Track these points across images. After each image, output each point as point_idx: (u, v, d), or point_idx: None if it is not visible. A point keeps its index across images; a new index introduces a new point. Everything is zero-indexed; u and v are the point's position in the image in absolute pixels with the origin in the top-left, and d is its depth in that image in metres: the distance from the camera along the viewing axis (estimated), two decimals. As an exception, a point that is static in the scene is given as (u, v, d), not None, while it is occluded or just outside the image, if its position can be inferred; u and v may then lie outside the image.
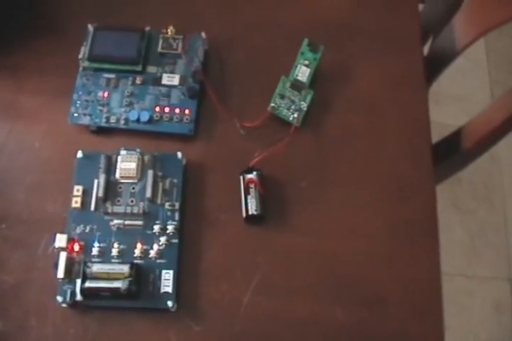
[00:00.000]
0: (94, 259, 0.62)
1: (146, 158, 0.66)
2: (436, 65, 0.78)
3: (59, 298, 0.60)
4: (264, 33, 0.76)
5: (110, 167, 0.66)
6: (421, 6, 0.82)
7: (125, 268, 0.59)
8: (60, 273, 0.60)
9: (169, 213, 0.64)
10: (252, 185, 0.65)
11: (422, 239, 0.65)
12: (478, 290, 1.29)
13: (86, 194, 0.65)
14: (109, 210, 0.63)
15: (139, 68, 0.71)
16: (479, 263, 1.32)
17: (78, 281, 0.60)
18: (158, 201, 0.64)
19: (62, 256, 0.61)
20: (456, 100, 1.40)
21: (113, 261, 0.62)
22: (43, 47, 0.75)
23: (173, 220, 0.63)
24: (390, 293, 0.63)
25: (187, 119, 0.69)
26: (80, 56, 0.71)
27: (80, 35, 0.72)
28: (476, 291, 1.29)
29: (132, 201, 0.64)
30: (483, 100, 1.43)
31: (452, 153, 0.75)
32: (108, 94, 0.70)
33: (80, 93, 0.70)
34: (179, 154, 0.66)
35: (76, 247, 0.62)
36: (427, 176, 0.68)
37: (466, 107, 1.40)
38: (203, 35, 0.72)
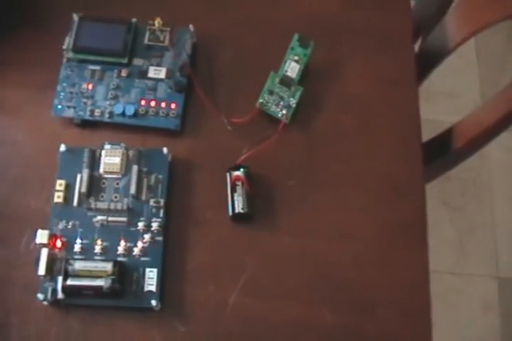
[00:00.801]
0: (76, 256, 0.60)
1: (131, 153, 0.65)
2: (427, 63, 0.77)
3: (40, 296, 0.59)
4: (253, 30, 0.75)
5: (94, 161, 0.64)
6: (412, 2, 0.81)
7: (108, 266, 0.58)
8: (41, 270, 0.58)
9: (154, 210, 0.62)
10: (238, 183, 0.64)
11: (411, 240, 0.65)
12: (466, 287, 1.29)
13: (69, 189, 0.63)
14: (93, 206, 0.62)
15: (124, 60, 0.69)
16: (467, 261, 1.32)
17: (60, 279, 0.58)
18: (143, 197, 0.63)
19: (44, 253, 0.59)
20: (446, 97, 1.40)
21: (96, 258, 0.60)
22: (27, 39, 0.73)
23: (158, 217, 0.62)
24: (379, 295, 0.63)
25: (173, 114, 0.67)
26: (65, 46, 0.69)
27: (65, 27, 0.71)
28: (464, 289, 1.29)
29: (116, 197, 0.63)
30: (473, 98, 1.43)
31: (443, 153, 0.74)
32: (93, 86, 0.69)
33: (64, 85, 0.69)
34: (165, 150, 0.65)
35: (58, 243, 0.60)
36: (417, 177, 0.67)
37: (456, 104, 1.40)
38: (191, 27, 0.71)
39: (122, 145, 0.65)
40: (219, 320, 0.61)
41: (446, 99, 1.40)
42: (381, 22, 0.76)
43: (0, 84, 0.71)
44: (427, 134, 0.73)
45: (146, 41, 0.70)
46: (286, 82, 0.68)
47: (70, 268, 0.58)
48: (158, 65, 0.69)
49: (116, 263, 0.58)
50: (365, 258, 0.64)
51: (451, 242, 1.32)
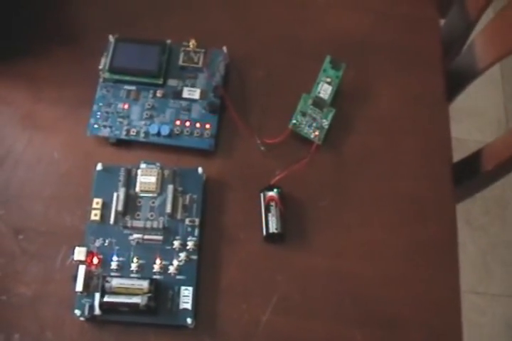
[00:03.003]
0: (112, 273, 0.61)
1: (166, 172, 0.66)
2: (455, 84, 0.78)
3: (77, 312, 0.60)
4: (284, 51, 0.76)
5: (130, 180, 0.66)
6: (442, 22, 0.82)
7: (145, 284, 0.59)
8: (79, 287, 0.60)
9: (189, 229, 0.63)
10: (272, 203, 0.65)
11: (442, 260, 0.65)
12: (490, 307, 1.29)
13: (105, 207, 0.64)
14: (129, 224, 0.63)
15: (159, 81, 0.70)
16: (491, 281, 1.31)
17: (97, 295, 0.59)
18: (178, 216, 0.64)
19: (81, 269, 0.60)
20: (469, 115, 1.40)
21: (132, 275, 0.61)
22: (61, 57, 0.75)
23: (193, 236, 0.63)
24: (408, 314, 0.63)
25: (207, 134, 0.68)
26: (101, 67, 0.71)
27: (98, 45, 0.72)
28: (488, 308, 1.29)
29: (152, 215, 0.64)
30: (497, 116, 1.43)
31: (472, 175, 0.74)
32: (128, 106, 0.70)
33: (100, 104, 0.70)
34: (200, 169, 0.66)
35: (95, 260, 0.62)
36: (447, 198, 0.68)
37: (480, 123, 1.41)
38: (225, 49, 0.72)
39: (158, 164, 0.66)
40: (251, 338, 0.61)
41: (470, 117, 1.40)
42: (411, 42, 0.77)
43: (34, 100, 0.73)
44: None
45: (180, 62, 0.71)
46: (318, 103, 0.69)
47: (107, 285, 0.59)
48: (192, 86, 0.71)
49: (152, 281, 0.59)
50: (395, 279, 0.65)
51: (475, 261, 1.32)
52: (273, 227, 0.64)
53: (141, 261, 0.62)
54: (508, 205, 1.38)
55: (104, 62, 0.71)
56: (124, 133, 0.69)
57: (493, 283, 1.31)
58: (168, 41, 0.72)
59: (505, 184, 1.36)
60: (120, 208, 0.64)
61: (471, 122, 1.40)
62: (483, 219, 1.36)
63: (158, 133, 0.68)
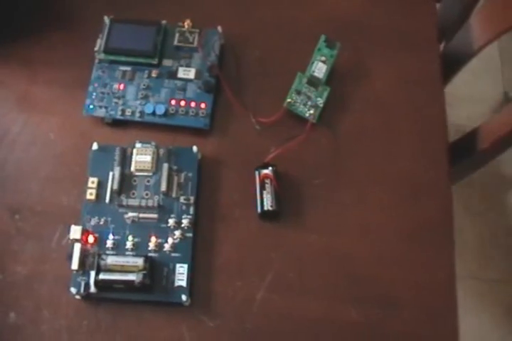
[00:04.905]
0: (108, 252, 0.62)
1: (161, 151, 0.66)
2: (451, 66, 0.78)
3: (73, 290, 0.60)
4: (279, 31, 0.76)
5: (125, 160, 0.66)
6: (437, 6, 0.82)
7: (139, 261, 0.59)
8: (74, 265, 0.60)
9: (184, 207, 0.63)
10: (267, 181, 0.65)
11: (437, 240, 0.65)
12: (490, 292, 1.28)
13: (101, 186, 0.65)
14: (124, 203, 0.63)
15: (155, 61, 0.70)
16: (490, 266, 1.31)
17: (92, 273, 0.60)
18: (173, 195, 0.64)
19: (77, 248, 0.60)
20: (469, 102, 1.39)
21: (127, 253, 0.62)
22: (57, 39, 0.75)
23: (188, 214, 0.63)
24: (403, 294, 0.63)
25: (203, 113, 0.68)
26: (96, 48, 0.71)
27: (94, 27, 0.72)
28: (487, 294, 1.28)
29: (147, 194, 0.64)
30: (497, 101, 1.43)
31: (468, 154, 0.74)
32: (124, 86, 0.70)
33: (96, 85, 0.70)
34: (194, 148, 0.66)
35: (90, 239, 0.62)
36: (443, 177, 0.68)
37: (479, 108, 1.40)
38: (220, 29, 0.72)
39: (153, 143, 0.66)
40: (246, 316, 0.61)
41: (470, 103, 1.39)
42: (407, 23, 0.77)
43: (31, 82, 0.73)
44: (449, 138, 0.74)
45: (175, 42, 0.71)
46: (313, 82, 0.69)
47: (102, 262, 0.59)
48: (187, 66, 0.71)
49: (147, 259, 0.59)
50: (389, 257, 0.64)
51: (474, 247, 1.31)
52: (268, 205, 0.64)
53: (136, 239, 0.62)
54: (507, 191, 1.37)
55: (99, 44, 0.71)
56: (120, 113, 0.69)
57: (493, 268, 1.30)
58: (164, 22, 0.72)
59: (504, 170, 1.36)
60: (115, 187, 0.64)
61: (472, 108, 1.39)
62: (482, 206, 1.35)
63: (154, 113, 0.68)
